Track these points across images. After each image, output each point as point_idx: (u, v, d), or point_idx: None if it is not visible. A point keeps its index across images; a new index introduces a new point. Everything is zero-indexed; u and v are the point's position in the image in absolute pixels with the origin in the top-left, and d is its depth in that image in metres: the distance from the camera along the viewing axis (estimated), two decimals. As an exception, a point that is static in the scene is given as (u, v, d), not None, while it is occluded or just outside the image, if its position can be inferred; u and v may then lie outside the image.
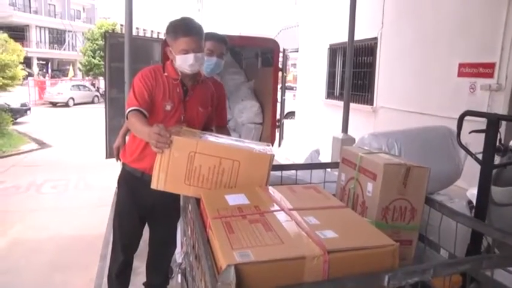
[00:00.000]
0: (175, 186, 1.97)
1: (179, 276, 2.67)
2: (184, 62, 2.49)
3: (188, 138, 2.00)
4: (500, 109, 5.27)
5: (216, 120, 3.13)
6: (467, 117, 2.60)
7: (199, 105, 2.71)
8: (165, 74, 2.61)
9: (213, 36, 3.09)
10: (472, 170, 3.14)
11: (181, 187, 1.96)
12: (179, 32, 2.49)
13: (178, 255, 3.24)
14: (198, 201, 1.84)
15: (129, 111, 2.42)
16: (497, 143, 2.57)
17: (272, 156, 1.95)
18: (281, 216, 1.51)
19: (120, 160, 2.82)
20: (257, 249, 1.24)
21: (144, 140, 2.39)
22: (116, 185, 2.87)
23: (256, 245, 1.27)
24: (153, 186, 1.99)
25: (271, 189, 1.85)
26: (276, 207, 1.60)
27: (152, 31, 41.98)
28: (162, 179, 1.96)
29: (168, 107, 2.56)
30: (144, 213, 2.82)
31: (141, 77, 2.54)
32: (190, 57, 2.48)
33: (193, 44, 2.48)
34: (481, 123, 2.51)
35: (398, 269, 1.27)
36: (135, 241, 2.92)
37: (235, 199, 1.69)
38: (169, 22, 2.59)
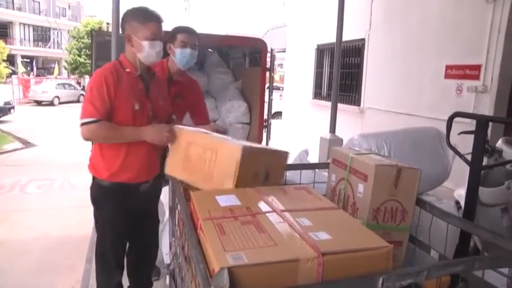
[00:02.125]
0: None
1: (167, 277, 2.64)
2: (152, 48, 2.41)
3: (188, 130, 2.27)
4: (486, 110, 5.33)
5: (197, 118, 3.09)
6: (455, 119, 2.61)
7: (160, 99, 2.65)
8: (127, 70, 2.47)
9: (185, 29, 3.11)
10: (458, 171, 3.16)
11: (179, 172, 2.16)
12: (151, 17, 2.44)
13: (166, 256, 3.21)
14: (187, 201, 1.83)
15: (90, 123, 2.31)
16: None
17: (243, 148, 1.86)
18: (273, 218, 1.49)
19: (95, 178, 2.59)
20: (250, 251, 1.22)
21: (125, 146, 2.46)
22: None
23: (249, 247, 1.25)
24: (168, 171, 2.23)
25: (262, 189, 1.83)
26: (268, 209, 1.58)
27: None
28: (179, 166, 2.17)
29: (137, 106, 2.45)
30: (131, 223, 2.69)
31: (102, 81, 2.35)
32: (158, 44, 2.44)
33: (160, 31, 2.47)
34: (468, 124, 2.53)
35: (392, 271, 1.26)
36: (124, 255, 2.83)
37: (226, 200, 1.66)
38: (129, 9, 2.50)
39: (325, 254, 1.23)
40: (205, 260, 1.27)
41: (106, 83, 2.34)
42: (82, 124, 2.32)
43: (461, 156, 2.61)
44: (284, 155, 2.21)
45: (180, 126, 2.32)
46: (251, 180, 1.91)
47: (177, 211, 2.11)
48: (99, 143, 2.50)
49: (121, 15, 4.13)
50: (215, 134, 2.24)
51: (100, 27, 29.87)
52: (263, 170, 2.00)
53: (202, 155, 2.03)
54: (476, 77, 5.54)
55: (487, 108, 5.40)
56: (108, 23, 28.62)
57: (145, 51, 2.41)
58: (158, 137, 2.32)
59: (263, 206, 1.61)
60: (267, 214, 1.53)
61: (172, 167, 2.20)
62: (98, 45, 5.25)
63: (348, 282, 1.21)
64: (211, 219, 1.46)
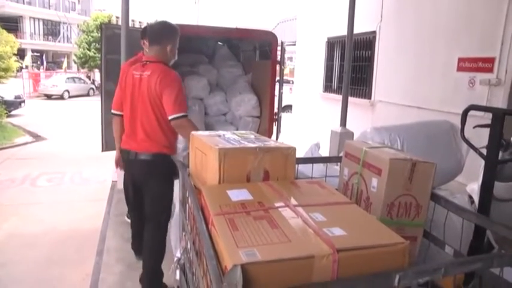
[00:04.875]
0: None
1: (177, 271, 2.62)
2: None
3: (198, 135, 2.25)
4: (500, 104, 5.26)
5: None
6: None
7: None
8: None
9: None
10: (470, 165, 3.11)
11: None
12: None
13: (176, 250, 3.19)
14: (198, 195, 1.80)
15: (187, 116, 2.83)
16: (500, 138, 2.54)
17: (219, 150, 1.79)
18: (286, 213, 1.46)
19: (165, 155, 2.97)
20: (263, 247, 1.20)
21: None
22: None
23: (262, 243, 1.22)
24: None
25: (274, 183, 1.80)
26: (281, 203, 1.55)
27: (148, 24, 41.74)
28: None
29: None
30: None
31: (182, 83, 2.91)
32: None
33: None
34: (480, 118, 2.47)
35: (409, 269, 1.23)
36: None
37: (237, 194, 1.63)
38: (171, 24, 3.01)
39: (340, 251, 1.20)
40: (217, 256, 1.25)
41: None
42: (185, 116, 2.80)
43: (476, 150, 2.56)
44: (289, 151, 1.95)
45: (194, 132, 2.32)
46: (245, 181, 1.84)
47: (187, 205, 2.08)
48: (182, 135, 2.90)
49: (130, 9, 4.15)
50: (213, 135, 2.18)
51: (109, 21, 29.84)
52: (259, 169, 1.87)
53: (200, 159, 2.07)
54: (490, 70, 5.45)
55: (500, 101, 5.32)
56: (117, 17, 28.61)
57: (175, 57, 3.01)
58: None
59: (276, 201, 1.58)
60: (279, 209, 1.50)
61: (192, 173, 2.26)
62: (107, 39, 5.24)
63: (363, 279, 1.18)
64: (223, 214, 1.44)
